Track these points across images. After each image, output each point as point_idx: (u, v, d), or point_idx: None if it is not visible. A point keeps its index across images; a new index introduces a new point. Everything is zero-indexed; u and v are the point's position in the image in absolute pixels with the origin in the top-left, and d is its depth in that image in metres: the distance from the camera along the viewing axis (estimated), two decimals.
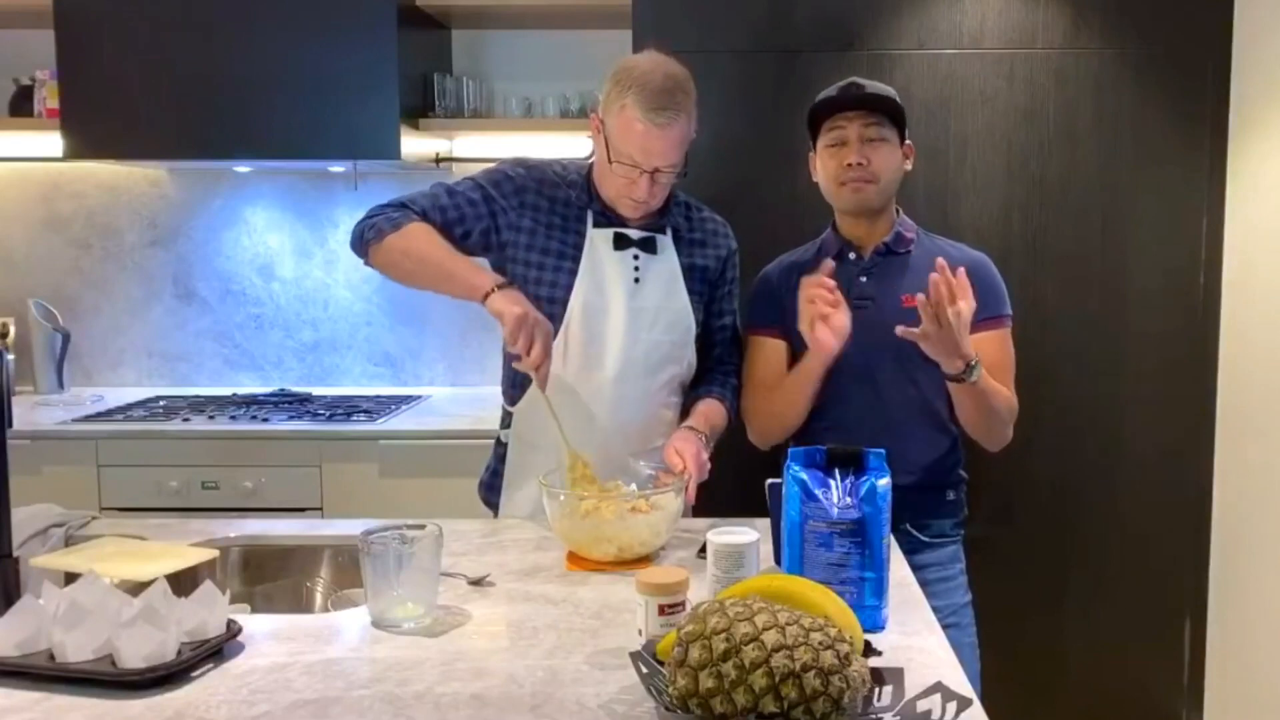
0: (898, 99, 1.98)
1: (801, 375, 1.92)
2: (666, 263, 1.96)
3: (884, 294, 1.97)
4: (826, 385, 1.94)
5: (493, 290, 1.77)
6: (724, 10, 2.64)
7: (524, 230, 1.92)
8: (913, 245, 2.03)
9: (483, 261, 1.96)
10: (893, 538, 1.53)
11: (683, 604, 1.34)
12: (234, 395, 3.22)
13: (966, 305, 1.76)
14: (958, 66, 2.62)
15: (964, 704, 1.10)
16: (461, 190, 1.94)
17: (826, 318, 1.81)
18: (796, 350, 2.03)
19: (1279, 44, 2.42)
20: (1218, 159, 2.61)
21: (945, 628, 1.91)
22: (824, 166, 2.00)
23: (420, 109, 3.03)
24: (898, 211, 2.06)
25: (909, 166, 2.04)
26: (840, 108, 1.95)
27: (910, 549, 1.94)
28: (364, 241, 1.90)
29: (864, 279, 1.99)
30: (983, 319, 1.95)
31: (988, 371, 1.93)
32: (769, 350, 2.05)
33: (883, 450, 1.48)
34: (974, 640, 2.01)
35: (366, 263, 1.93)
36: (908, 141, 2.01)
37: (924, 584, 1.88)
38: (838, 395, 1.96)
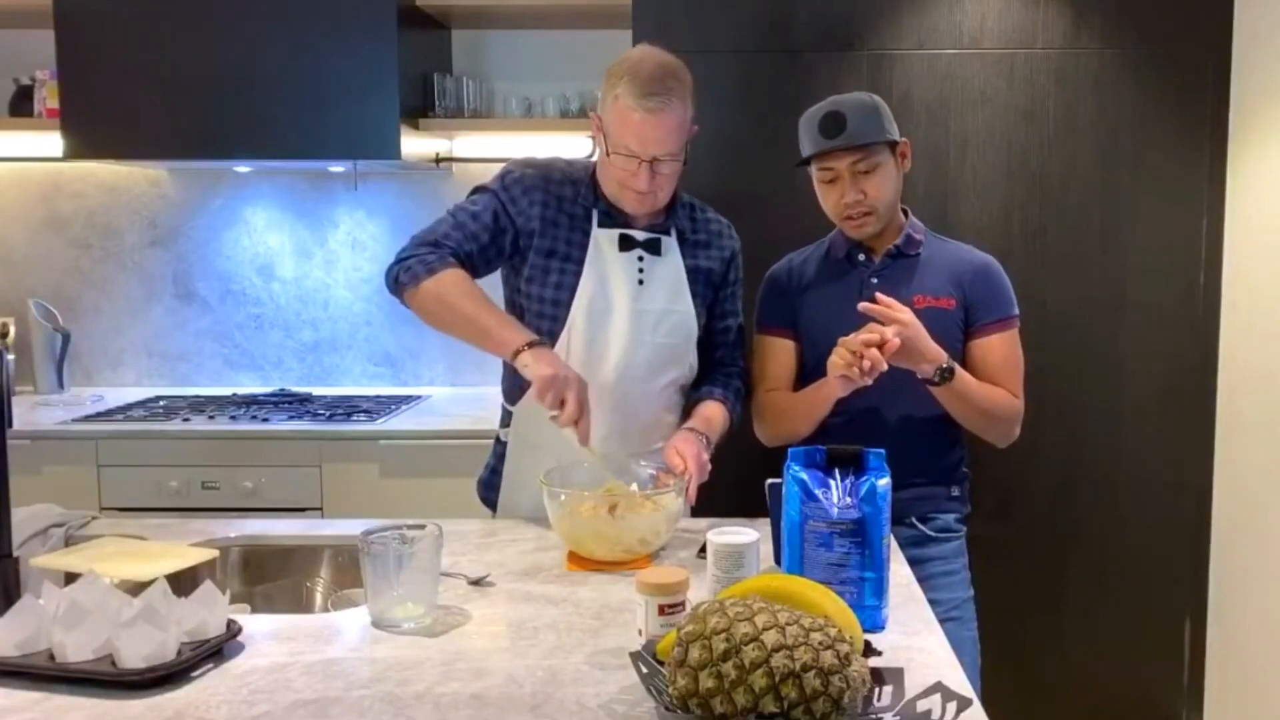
0: (880, 122, 1.95)
1: (821, 399, 1.92)
2: (671, 265, 1.96)
3: (893, 295, 1.97)
4: None
5: (523, 348, 1.75)
6: (724, 10, 2.64)
7: (534, 233, 1.92)
8: (921, 247, 2.04)
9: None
10: (893, 538, 1.53)
11: (683, 604, 1.34)
12: (234, 395, 3.22)
13: (905, 316, 1.79)
14: (958, 66, 2.61)
15: (964, 704, 1.10)
16: (482, 207, 1.92)
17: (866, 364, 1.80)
18: (805, 350, 2.04)
19: (1279, 44, 2.42)
20: (1218, 159, 2.61)
21: (947, 621, 1.93)
22: (823, 199, 2.01)
23: (420, 109, 3.03)
24: (906, 213, 2.07)
25: (908, 166, 2.04)
26: (824, 153, 1.95)
27: (915, 543, 1.97)
28: (399, 284, 1.87)
29: (875, 280, 2.01)
30: (989, 321, 2.00)
31: (992, 372, 1.97)
32: (779, 350, 2.08)
33: (883, 450, 1.48)
34: (975, 635, 2.04)
35: (403, 304, 1.90)
36: (903, 140, 2.01)
37: (927, 578, 1.90)
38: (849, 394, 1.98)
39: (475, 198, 1.95)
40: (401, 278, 1.86)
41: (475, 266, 1.90)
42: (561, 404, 1.71)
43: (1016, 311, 2.03)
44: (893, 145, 1.98)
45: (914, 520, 2.00)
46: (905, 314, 1.80)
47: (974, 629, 2.04)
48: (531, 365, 1.73)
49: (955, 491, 2.06)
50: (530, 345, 1.76)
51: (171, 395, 3.23)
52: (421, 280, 1.84)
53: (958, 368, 1.87)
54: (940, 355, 1.84)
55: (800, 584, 1.29)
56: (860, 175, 1.95)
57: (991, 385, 1.96)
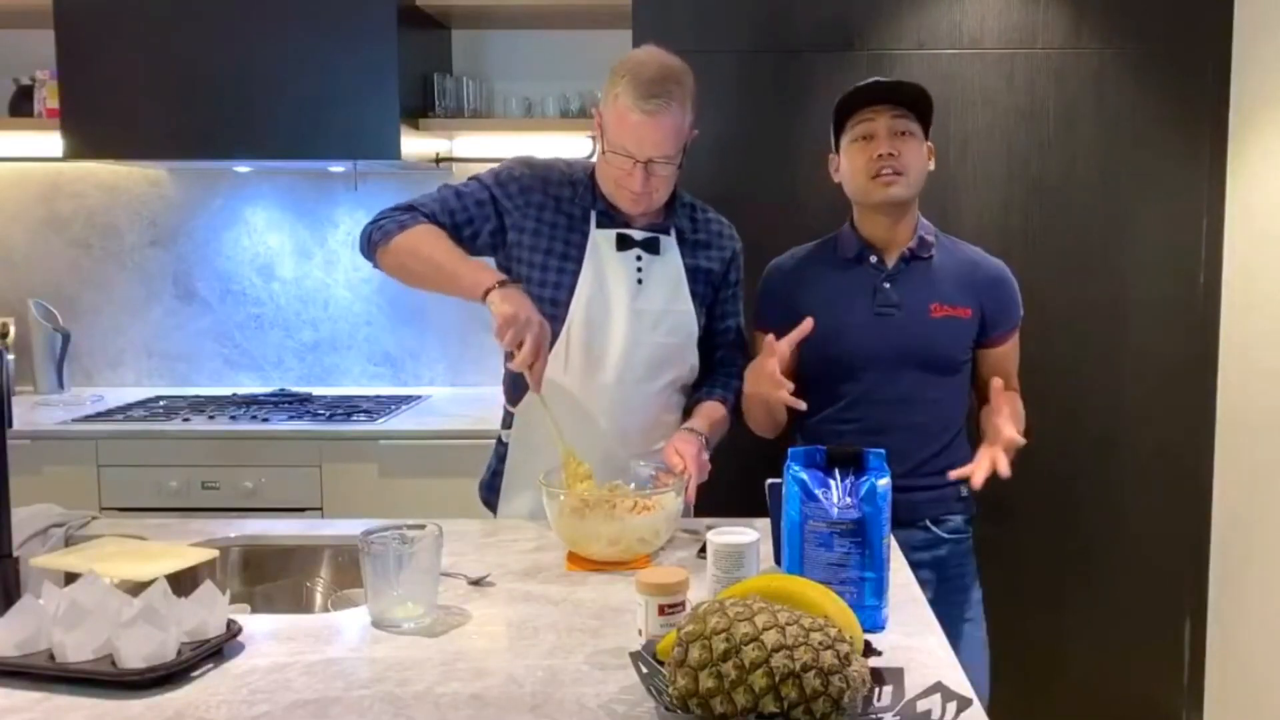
0: (926, 93, 1.97)
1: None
2: (670, 264, 1.96)
3: (909, 301, 1.97)
4: (853, 387, 1.98)
5: (493, 288, 1.75)
6: (724, 10, 2.64)
7: (528, 230, 1.92)
8: (934, 249, 2.02)
9: (490, 262, 1.95)
10: (893, 538, 1.53)
11: (683, 604, 1.34)
12: (234, 395, 3.22)
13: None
14: (958, 66, 2.61)
15: (964, 704, 1.10)
16: (469, 191, 1.93)
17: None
18: (806, 350, 2.03)
19: (1279, 44, 2.42)
20: (1218, 159, 2.61)
21: (964, 623, 1.93)
22: (851, 161, 1.96)
23: (420, 109, 3.03)
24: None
25: (931, 166, 2.02)
26: (870, 100, 1.93)
27: (930, 545, 1.98)
28: (371, 244, 1.89)
29: (888, 285, 1.98)
30: (1005, 331, 2.04)
31: (1004, 375, 2.00)
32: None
33: (883, 450, 1.48)
34: (985, 635, 2.04)
35: (375, 265, 1.92)
36: (929, 142, 2.00)
37: (942, 580, 1.91)
38: (864, 398, 1.99)
39: (466, 182, 1.96)
40: (374, 236, 1.88)
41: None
42: (519, 346, 1.70)
43: (1022, 313, 2.07)
44: (925, 131, 1.98)
45: (927, 523, 2.00)
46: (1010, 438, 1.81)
47: (984, 629, 2.04)
48: (497, 304, 1.72)
49: (964, 492, 2.05)
50: (501, 284, 1.75)
51: (171, 395, 3.23)
52: (393, 236, 1.85)
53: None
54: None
55: (800, 584, 1.29)
56: (897, 136, 1.92)
57: (1011, 398, 2.00)
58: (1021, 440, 1.83)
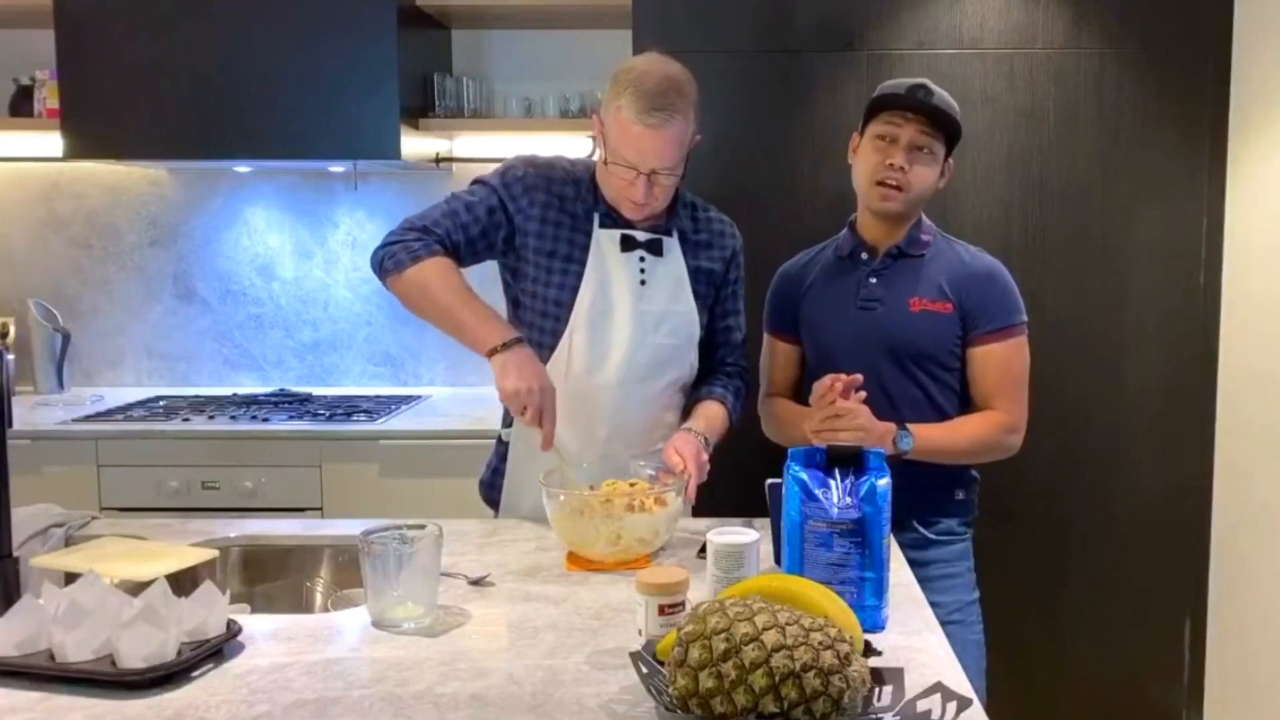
0: (958, 115, 1.96)
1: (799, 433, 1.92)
2: (672, 265, 1.95)
3: (892, 297, 1.97)
4: None
5: (497, 349, 1.76)
6: (724, 11, 2.64)
7: (532, 232, 1.91)
8: (928, 249, 2.01)
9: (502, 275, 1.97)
10: (893, 538, 1.53)
11: (683, 604, 1.34)
12: (234, 395, 3.22)
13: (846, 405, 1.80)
14: (958, 66, 2.61)
15: (964, 704, 1.10)
16: (478, 200, 1.91)
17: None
18: (808, 350, 2.05)
19: (1279, 44, 2.42)
20: (1218, 159, 2.61)
21: (950, 625, 1.92)
22: (864, 157, 1.96)
23: (420, 109, 3.03)
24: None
25: (943, 184, 2.01)
26: (903, 107, 1.92)
27: (916, 545, 1.96)
28: (383, 270, 1.88)
29: (873, 280, 1.99)
30: (987, 330, 1.97)
31: (989, 383, 1.97)
32: (781, 353, 2.10)
33: (883, 450, 1.48)
34: (980, 638, 2.03)
35: (387, 289, 1.91)
36: (949, 160, 1.99)
37: (928, 580, 1.90)
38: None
39: (473, 189, 1.95)
40: (386, 264, 1.87)
41: (461, 256, 1.89)
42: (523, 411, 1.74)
43: (1022, 319, 1.99)
44: (948, 152, 1.97)
45: (915, 524, 1.99)
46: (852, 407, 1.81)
47: (979, 632, 2.03)
48: (497, 374, 1.76)
49: (960, 495, 2.05)
50: (506, 345, 1.76)
51: (171, 395, 3.23)
52: (405, 268, 1.84)
53: (913, 435, 1.87)
54: (889, 430, 1.84)
55: (800, 584, 1.29)
56: (915, 151, 1.92)
57: (962, 420, 1.97)
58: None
